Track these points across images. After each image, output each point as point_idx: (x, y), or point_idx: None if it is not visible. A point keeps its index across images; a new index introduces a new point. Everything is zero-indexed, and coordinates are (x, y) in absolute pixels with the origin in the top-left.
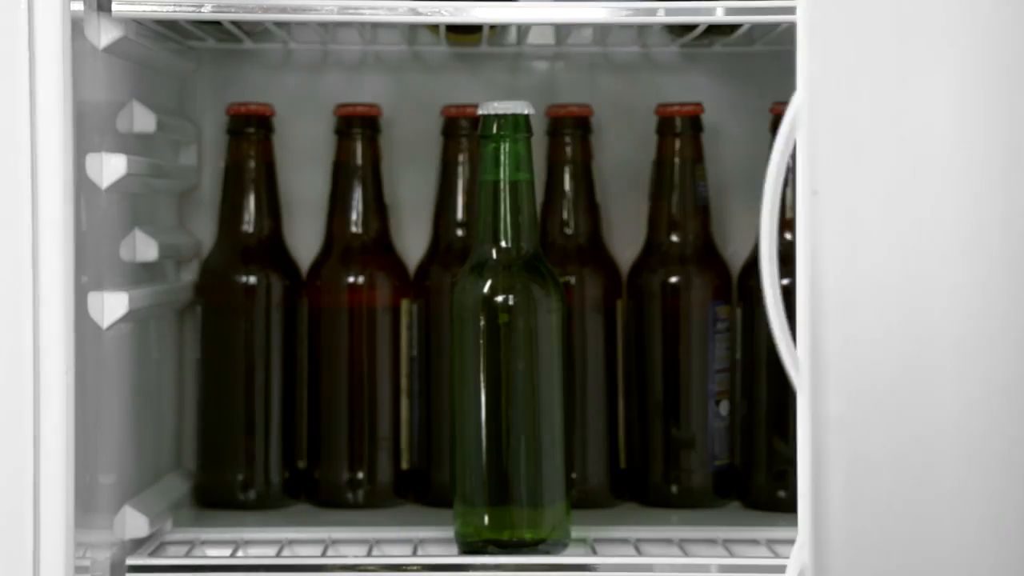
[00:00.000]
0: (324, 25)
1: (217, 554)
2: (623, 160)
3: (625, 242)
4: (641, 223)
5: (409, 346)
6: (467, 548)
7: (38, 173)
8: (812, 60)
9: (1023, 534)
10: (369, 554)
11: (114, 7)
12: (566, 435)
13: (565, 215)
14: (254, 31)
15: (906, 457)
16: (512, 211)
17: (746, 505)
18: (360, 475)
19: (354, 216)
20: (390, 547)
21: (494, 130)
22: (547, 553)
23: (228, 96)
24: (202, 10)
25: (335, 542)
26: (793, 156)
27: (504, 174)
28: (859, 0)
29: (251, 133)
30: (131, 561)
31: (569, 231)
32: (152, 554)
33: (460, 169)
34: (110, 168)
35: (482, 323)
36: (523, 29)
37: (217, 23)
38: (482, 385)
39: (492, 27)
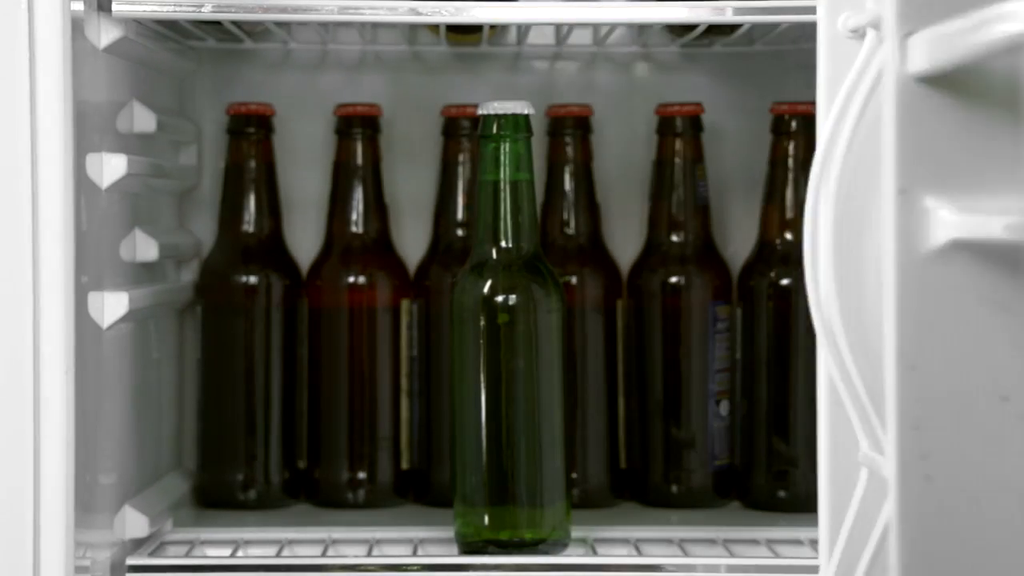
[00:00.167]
0: (324, 25)
1: (217, 554)
2: (623, 160)
3: (625, 242)
4: (641, 223)
5: (409, 346)
6: (467, 548)
7: (38, 173)
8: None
9: None
10: (369, 554)
11: (114, 7)
12: (566, 435)
13: (565, 215)
14: (254, 31)
15: None
16: (512, 211)
17: (746, 505)
18: (360, 475)
19: (354, 216)
20: (390, 547)
21: (494, 130)
22: (547, 553)
23: (228, 96)
24: (202, 10)
25: (335, 542)
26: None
27: (504, 174)
28: None
29: (251, 133)
30: (131, 561)
31: (569, 231)
32: (152, 554)
33: (460, 169)
34: (110, 168)
35: (482, 323)
36: (523, 29)
37: (217, 23)
38: (482, 385)
39: (492, 27)
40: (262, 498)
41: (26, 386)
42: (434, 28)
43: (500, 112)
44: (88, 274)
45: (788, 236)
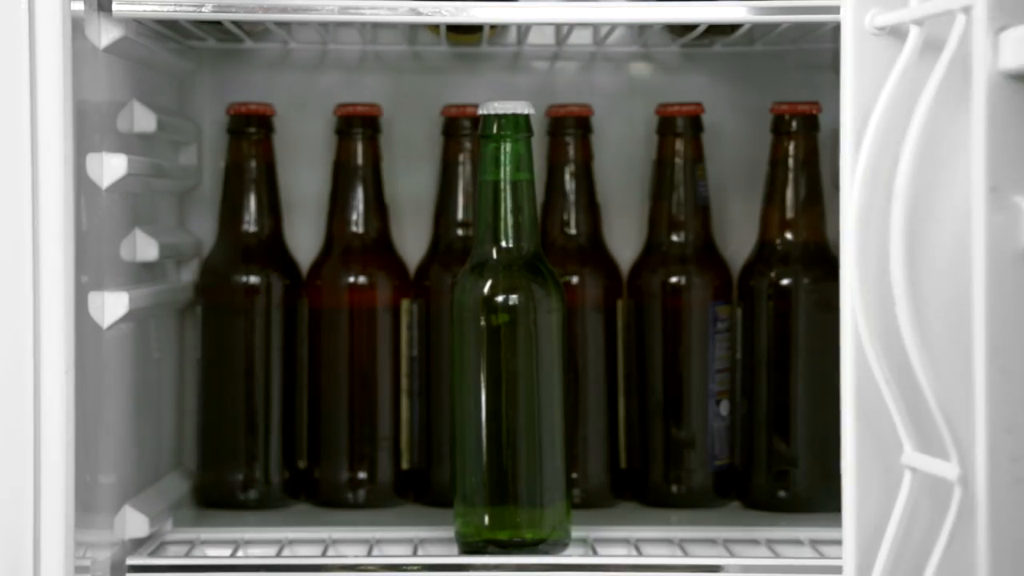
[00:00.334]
0: (324, 25)
1: (217, 554)
2: (623, 160)
3: (625, 242)
4: (641, 223)
5: (409, 346)
6: (467, 548)
7: (38, 173)
8: None
9: None
10: (369, 554)
11: (115, 7)
12: (566, 435)
13: (565, 215)
14: (254, 31)
15: None
16: (512, 211)
17: (746, 505)
18: (360, 475)
19: (354, 216)
20: (390, 547)
21: (494, 130)
22: (547, 553)
23: (228, 96)
24: (203, 10)
25: (335, 542)
26: (794, 154)
27: (504, 174)
28: None
29: (251, 133)
30: (131, 561)
31: (569, 231)
32: (152, 554)
33: (460, 169)
34: (110, 168)
35: (482, 323)
36: (523, 29)
37: (217, 23)
38: (482, 385)
39: (492, 27)
40: (262, 498)
41: (26, 386)
42: (434, 28)
43: (500, 112)
44: (88, 274)
45: (788, 236)
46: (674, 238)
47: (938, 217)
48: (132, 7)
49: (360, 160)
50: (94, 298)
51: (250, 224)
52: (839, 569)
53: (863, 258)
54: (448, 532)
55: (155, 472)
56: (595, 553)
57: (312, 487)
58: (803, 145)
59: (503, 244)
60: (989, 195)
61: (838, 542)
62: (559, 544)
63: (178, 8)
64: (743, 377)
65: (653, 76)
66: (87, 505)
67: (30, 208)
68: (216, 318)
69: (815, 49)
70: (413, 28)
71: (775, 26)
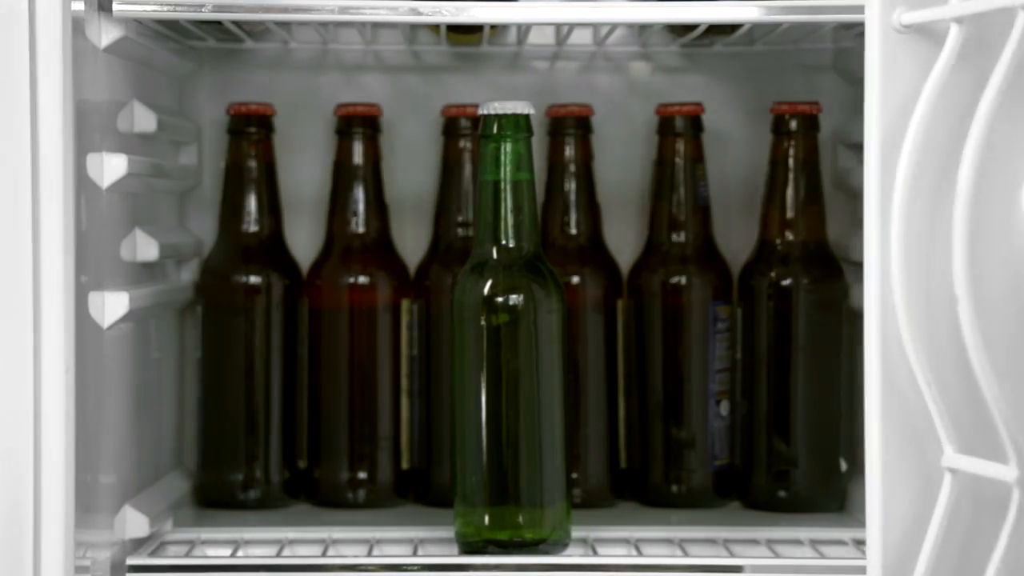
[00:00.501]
0: (324, 25)
1: (217, 554)
2: (623, 160)
3: (625, 242)
4: (641, 223)
5: (409, 346)
6: (467, 548)
7: (39, 173)
8: None
9: None
10: (369, 554)
11: (115, 7)
12: (566, 435)
13: (565, 215)
14: (254, 31)
15: None
16: (513, 211)
17: (746, 505)
18: (360, 475)
19: (354, 216)
20: (390, 547)
21: (494, 130)
22: (547, 553)
23: (228, 96)
24: (203, 10)
25: (335, 542)
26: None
27: (505, 174)
28: None
29: (251, 133)
30: (131, 561)
31: (569, 231)
32: (152, 554)
33: (460, 169)
34: (110, 168)
35: (482, 323)
36: (523, 29)
37: (218, 23)
38: (482, 385)
39: (492, 27)
40: (262, 498)
41: (26, 386)
42: (434, 28)
43: (500, 112)
44: (88, 274)
45: (788, 236)
46: (674, 238)
47: (992, 217)
48: (132, 7)
49: (360, 160)
50: (94, 298)
51: (250, 224)
52: (861, 569)
53: (907, 260)
54: (448, 532)
55: (155, 472)
56: (595, 553)
57: (312, 487)
58: (803, 145)
59: (503, 244)
60: None
61: (838, 542)
62: (559, 544)
63: (178, 8)
64: (743, 377)
65: (653, 76)
66: (87, 505)
67: (30, 208)
68: (216, 318)
69: (815, 49)
70: (413, 28)
71: (775, 26)
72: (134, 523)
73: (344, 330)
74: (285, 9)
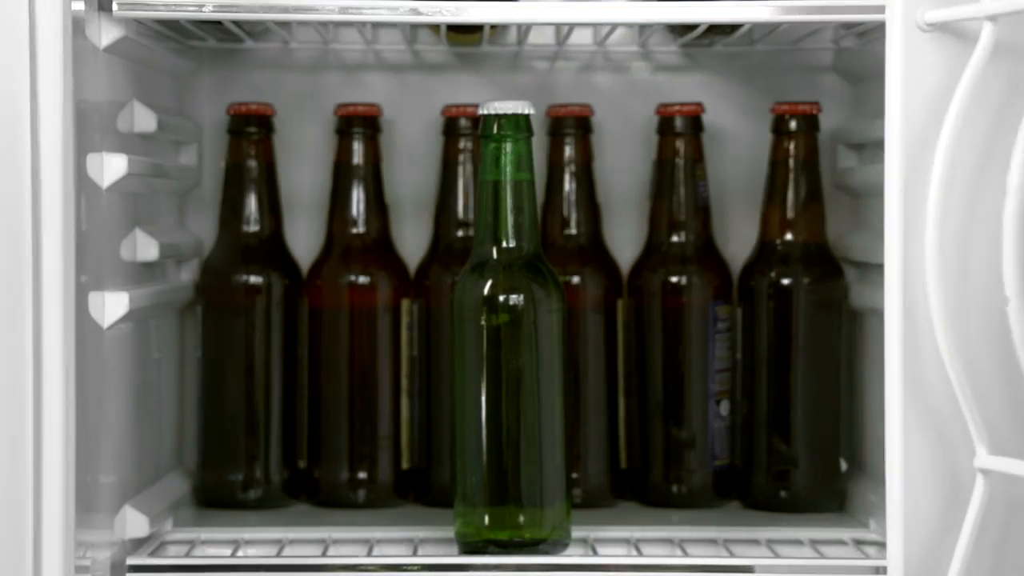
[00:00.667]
0: (325, 25)
1: (217, 554)
2: (623, 160)
3: (625, 242)
4: (641, 223)
5: (409, 346)
6: (467, 548)
7: (39, 173)
8: None
9: None
10: (369, 554)
11: (115, 7)
12: (566, 435)
13: (565, 215)
14: (255, 31)
15: None
16: (513, 211)
17: (746, 505)
18: (360, 475)
19: (354, 216)
20: (390, 547)
21: (495, 130)
22: (547, 553)
23: (228, 96)
24: (203, 10)
25: (335, 542)
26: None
27: (505, 174)
28: None
29: (252, 133)
30: (131, 561)
31: (569, 231)
32: (152, 554)
33: (460, 169)
34: (111, 168)
35: (482, 323)
36: (523, 29)
37: (218, 23)
38: (482, 385)
39: (492, 27)
40: (262, 498)
41: (26, 386)
42: (435, 28)
43: (501, 112)
44: (88, 274)
45: (788, 236)
46: (674, 238)
47: None
48: (133, 7)
49: (360, 160)
50: (94, 298)
51: (250, 224)
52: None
53: (941, 261)
54: (448, 532)
55: (155, 472)
56: (595, 553)
57: (312, 487)
58: (803, 145)
59: (503, 244)
60: None
61: (838, 542)
62: (559, 544)
63: (178, 8)
64: (743, 377)
65: (653, 76)
66: (87, 505)
67: (30, 208)
68: (216, 318)
69: (815, 49)
70: (413, 28)
71: (775, 26)
72: (134, 523)
73: (344, 330)
74: (285, 9)
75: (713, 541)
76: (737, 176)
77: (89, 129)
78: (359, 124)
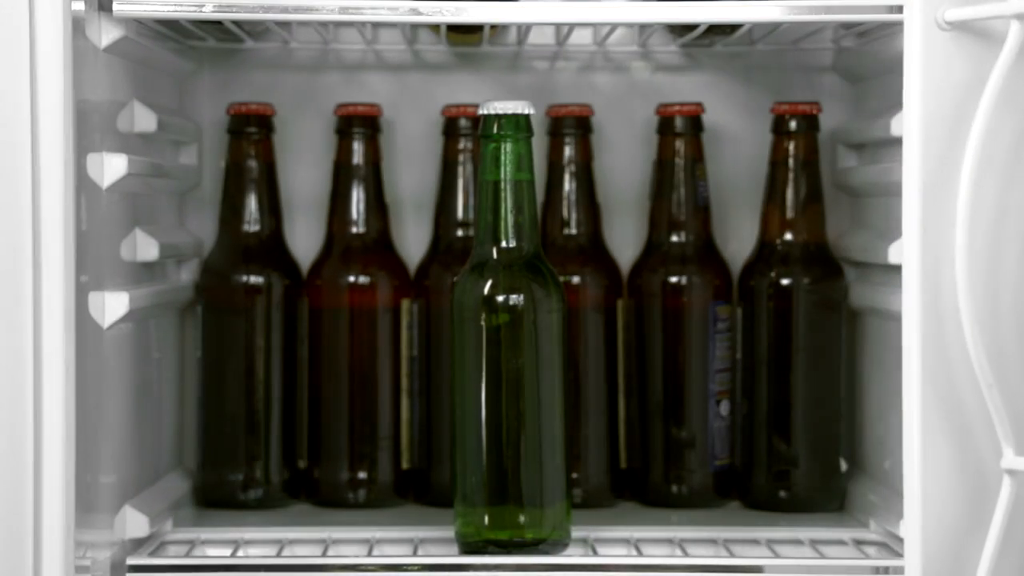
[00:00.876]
0: (325, 25)
1: (217, 554)
2: (623, 160)
3: (625, 242)
4: (641, 223)
5: (409, 346)
6: (467, 548)
7: (39, 173)
8: None
9: None
10: (369, 554)
11: (115, 7)
12: (566, 435)
13: (565, 215)
14: (255, 31)
15: None
16: (513, 211)
17: (746, 505)
18: (360, 475)
19: (354, 216)
20: (390, 547)
21: (495, 130)
22: (547, 553)
23: (228, 96)
24: (203, 10)
25: (335, 542)
26: (794, 154)
27: (505, 174)
28: None
29: (252, 133)
30: (131, 561)
31: (569, 231)
32: (152, 554)
33: (460, 169)
34: (111, 168)
35: (482, 323)
36: (523, 29)
37: (218, 23)
38: (482, 385)
39: (492, 27)
40: (262, 498)
41: (26, 386)
42: (435, 28)
43: (501, 112)
44: (88, 274)
45: (788, 236)
46: (674, 238)
47: None
48: (133, 7)
49: (360, 160)
50: (94, 298)
51: (250, 224)
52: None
53: (970, 260)
54: (448, 532)
55: (155, 472)
56: (595, 553)
57: (312, 487)
58: (803, 145)
59: (503, 244)
60: None
61: (838, 542)
62: (559, 544)
63: (178, 8)
64: (743, 377)
65: (653, 76)
66: (87, 505)
67: (30, 208)
68: (216, 318)
69: (815, 49)
70: (413, 28)
71: (776, 26)
72: (134, 523)
73: (344, 330)
74: (285, 9)
75: (713, 541)
76: (737, 176)
77: (89, 129)
78: (359, 124)
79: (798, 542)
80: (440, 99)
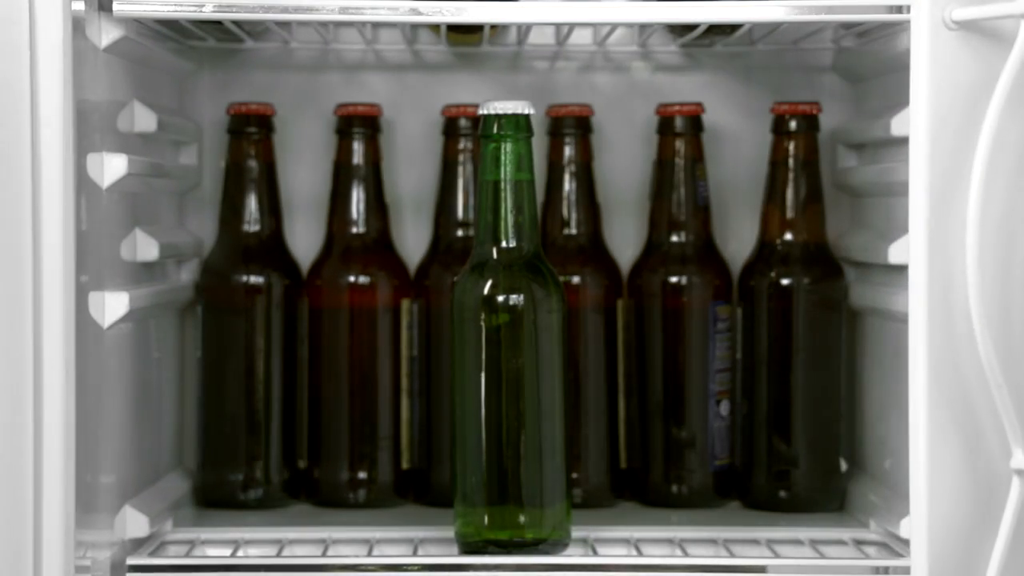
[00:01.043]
0: (325, 25)
1: (217, 554)
2: (623, 160)
3: (625, 242)
4: (641, 223)
5: (409, 346)
6: (467, 548)
7: (39, 173)
8: None
9: None
10: (369, 554)
11: (115, 7)
12: (566, 435)
13: (565, 215)
14: (255, 30)
15: None
16: (513, 211)
17: (746, 505)
18: (360, 475)
19: (354, 216)
20: (390, 547)
21: (495, 130)
22: (547, 553)
23: (228, 96)
24: (203, 10)
25: (335, 542)
26: (794, 154)
27: (505, 174)
28: None
29: (252, 133)
30: (131, 561)
31: (569, 231)
32: (152, 554)
33: (460, 169)
34: (111, 168)
35: (482, 323)
36: (523, 29)
37: (218, 23)
38: (482, 385)
39: (492, 27)
40: (262, 498)
41: (26, 386)
42: (435, 28)
43: (501, 112)
44: (88, 274)
45: (788, 236)
46: (674, 238)
47: None
48: (133, 7)
49: (360, 160)
50: (94, 298)
51: (250, 224)
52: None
53: (980, 260)
54: (448, 532)
55: (155, 472)
56: (595, 553)
57: (312, 487)
58: (803, 145)
59: (503, 244)
60: None
61: (838, 542)
62: (559, 544)
63: (178, 8)
64: (743, 377)
65: (653, 76)
66: (87, 505)
67: (30, 208)
68: (216, 318)
69: (815, 49)
70: (413, 28)
71: (776, 26)
72: (134, 523)
73: (344, 330)
74: (285, 9)
75: (713, 541)
76: (737, 176)
77: (89, 129)
78: (359, 124)
79: (798, 542)
80: (440, 99)
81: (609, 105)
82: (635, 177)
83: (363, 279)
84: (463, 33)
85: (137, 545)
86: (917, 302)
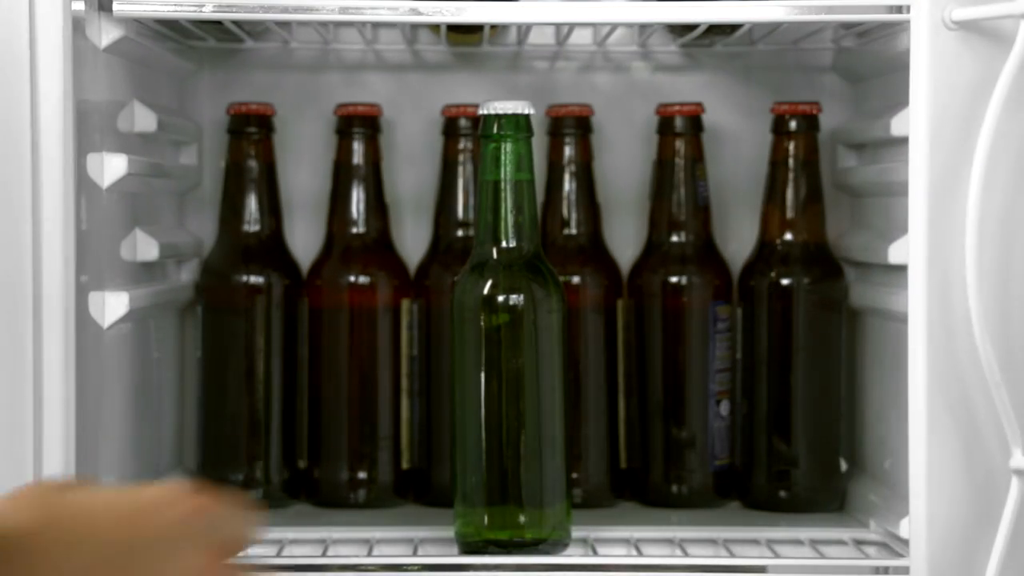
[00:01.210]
0: (325, 25)
1: None
2: (623, 160)
3: (625, 242)
4: (641, 223)
5: (409, 346)
6: (467, 548)
7: (39, 173)
8: None
9: None
10: (369, 554)
11: (115, 7)
12: (566, 435)
13: (565, 215)
14: (255, 31)
15: None
16: (513, 211)
17: (746, 505)
18: (360, 475)
19: (354, 216)
20: (390, 547)
21: (495, 130)
22: (547, 553)
23: (228, 96)
24: (203, 10)
25: (335, 542)
26: (794, 154)
27: (505, 174)
28: None
29: (252, 133)
30: None
31: (569, 231)
32: None
33: (460, 169)
34: (111, 168)
35: (482, 323)
36: (523, 29)
37: (218, 23)
38: (482, 385)
39: (492, 27)
40: (262, 498)
41: (26, 386)
42: (435, 28)
43: (501, 112)
44: (88, 274)
45: (788, 236)
46: (674, 238)
47: None
48: (133, 7)
49: (360, 160)
50: (94, 298)
51: (250, 224)
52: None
53: (980, 260)
54: (448, 532)
55: (155, 472)
56: (595, 553)
57: (312, 487)
58: (803, 145)
59: (503, 244)
60: None
61: (838, 542)
62: (559, 544)
63: (178, 8)
64: (743, 377)
65: (653, 76)
66: None
67: (30, 208)
68: (216, 318)
69: (815, 49)
70: (413, 28)
71: (776, 26)
72: None
73: (344, 330)
74: (285, 9)
75: (713, 541)
76: (737, 176)
77: (89, 129)
78: (359, 124)
79: (798, 542)
80: (440, 99)
81: (609, 105)
82: (635, 177)
83: (363, 279)
84: (463, 33)
85: None
86: (917, 302)
